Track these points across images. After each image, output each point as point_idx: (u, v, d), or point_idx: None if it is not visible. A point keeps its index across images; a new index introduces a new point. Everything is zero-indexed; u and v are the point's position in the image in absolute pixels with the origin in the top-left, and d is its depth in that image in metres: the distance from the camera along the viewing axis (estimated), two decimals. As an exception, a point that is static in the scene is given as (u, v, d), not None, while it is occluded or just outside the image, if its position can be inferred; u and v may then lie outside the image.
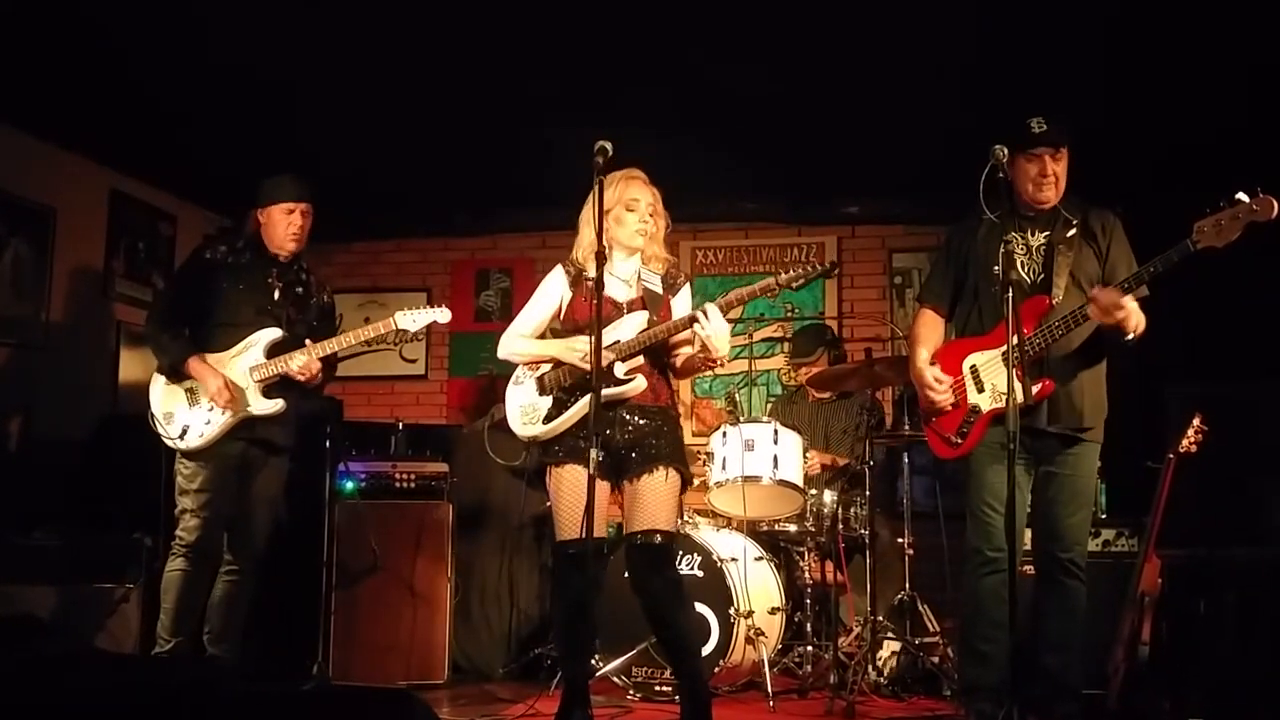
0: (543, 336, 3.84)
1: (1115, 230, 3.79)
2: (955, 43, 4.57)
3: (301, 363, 4.31)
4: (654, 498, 3.61)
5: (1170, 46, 4.54)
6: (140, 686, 2.31)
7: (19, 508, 4.96)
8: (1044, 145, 3.71)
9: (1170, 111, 5.07)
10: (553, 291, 3.83)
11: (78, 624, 4.55)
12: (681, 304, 3.82)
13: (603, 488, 3.63)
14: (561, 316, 3.81)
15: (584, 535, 3.30)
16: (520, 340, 3.83)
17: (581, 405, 3.61)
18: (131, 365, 6.00)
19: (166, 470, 4.40)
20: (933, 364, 3.86)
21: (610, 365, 3.60)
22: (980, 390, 3.76)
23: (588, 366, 3.53)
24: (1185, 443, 4.29)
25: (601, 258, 3.43)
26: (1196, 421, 4.31)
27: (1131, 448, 5.44)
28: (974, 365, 3.78)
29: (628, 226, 3.74)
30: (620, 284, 3.79)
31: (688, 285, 3.87)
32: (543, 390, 3.75)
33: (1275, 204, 3.31)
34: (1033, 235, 3.80)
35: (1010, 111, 3.75)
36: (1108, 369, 3.84)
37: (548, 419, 3.70)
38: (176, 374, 4.34)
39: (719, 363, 3.68)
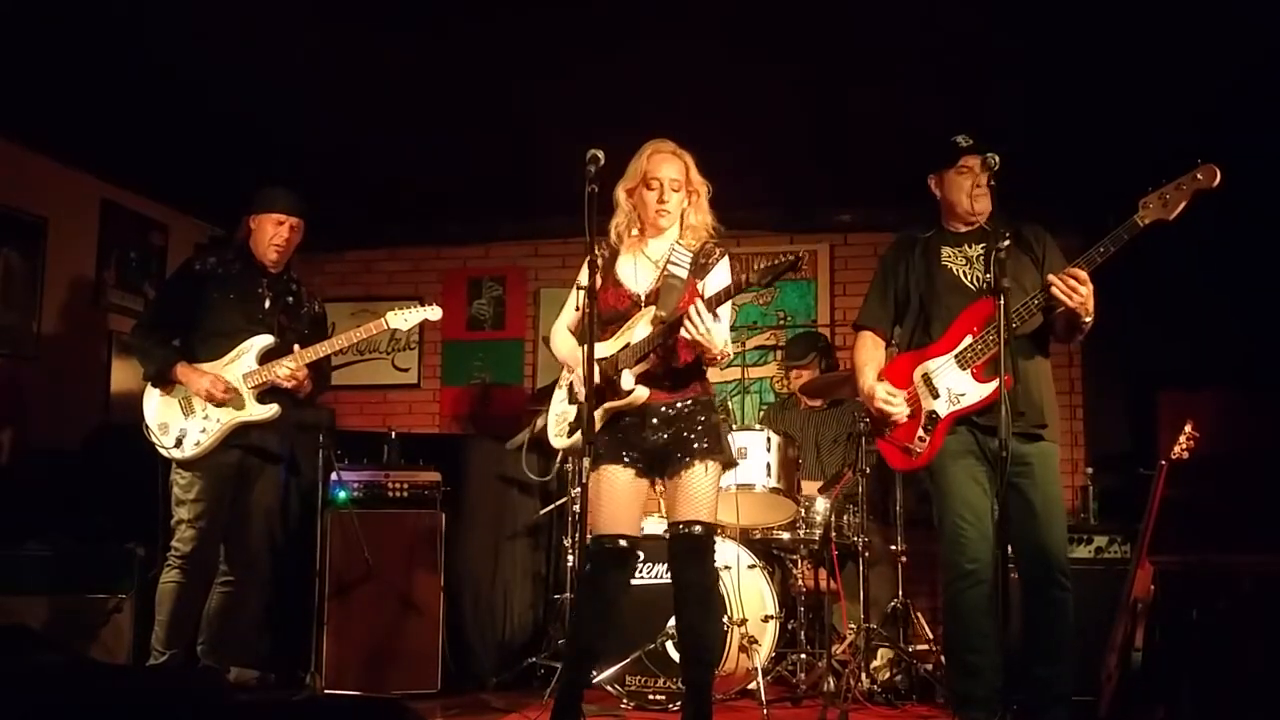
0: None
1: (1048, 240, 3.85)
2: (950, 48, 4.58)
3: (287, 370, 4.30)
4: (697, 489, 3.57)
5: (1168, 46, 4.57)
6: (133, 697, 2.30)
7: (11, 518, 4.94)
8: (973, 156, 3.74)
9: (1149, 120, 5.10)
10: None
11: (70, 635, 4.53)
12: (716, 284, 3.60)
13: (640, 486, 3.63)
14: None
15: (579, 538, 3.27)
16: (558, 334, 3.77)
17: (599, 415, 3.54)
18: (123, 375, 5.99)
19: (161, 480, 4.39)
20: (881, 380, 3.86)
21: (618, 375, 3.53)
22: (935, 396, 3.74)
23: (580, 387, 3.49)
24: (1177, 449, 4.29)
25: (594, 267, 3.43)
26: (1188, 428, 4.31)
27: (1124, 454, 5.46)
28: (926, 373, 3.76)
29: (649, 207, 3.64)
30: (649, 268, 3.68)
31: (725, 260, 3.65)
32: (571, 399, 3.70)
33: (1218, 171, 3.32)
34: (970, 247, 3.83)
35: (1004, 118, 3.77)
36: (1100, 375, 3.84)
37: (571, 432, 3.66)
38: (163, 380, 4.33)
39: (718, 360, 3.58)
